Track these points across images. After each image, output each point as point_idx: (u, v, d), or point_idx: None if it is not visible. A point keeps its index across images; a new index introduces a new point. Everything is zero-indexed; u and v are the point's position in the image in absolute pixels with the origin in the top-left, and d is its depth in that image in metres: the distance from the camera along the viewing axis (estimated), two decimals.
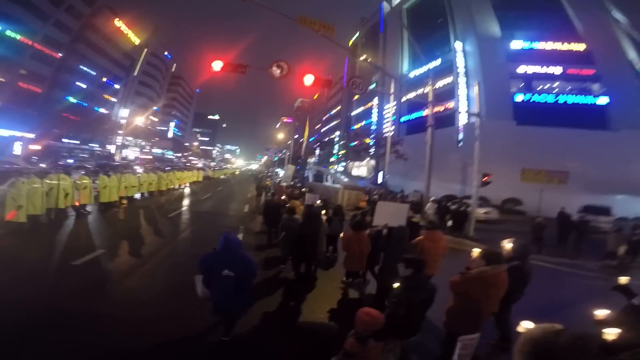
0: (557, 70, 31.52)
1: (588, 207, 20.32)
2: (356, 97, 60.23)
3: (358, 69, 62.78)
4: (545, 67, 31.64)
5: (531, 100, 30.61)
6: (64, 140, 47.33)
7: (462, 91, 33.33)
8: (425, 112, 38.08)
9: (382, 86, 49.93)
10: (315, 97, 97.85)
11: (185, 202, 17.24)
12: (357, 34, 67.59)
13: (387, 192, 18.89)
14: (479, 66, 32.75)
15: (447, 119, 32.88)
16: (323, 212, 8.84)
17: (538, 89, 31.49)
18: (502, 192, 24.75)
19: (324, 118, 78.74)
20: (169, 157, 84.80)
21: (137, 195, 16.04)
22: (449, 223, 13.96)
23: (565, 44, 31.89)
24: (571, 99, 30.34)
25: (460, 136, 32.17)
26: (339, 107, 70.00)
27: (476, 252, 3.63)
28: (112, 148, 61.27)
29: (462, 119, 32.62)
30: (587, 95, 30.46)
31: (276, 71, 10.23)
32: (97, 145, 56.52)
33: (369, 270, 6.00)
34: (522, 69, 31.73)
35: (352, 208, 13.78)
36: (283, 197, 12.32)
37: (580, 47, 31.54)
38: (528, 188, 25.40)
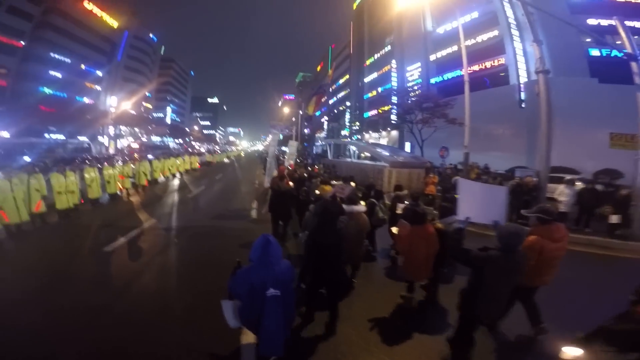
0: (637, 24, 24.75)
1: None
2: (368, 62, 53.26)
3: (367, 32, 55.44)
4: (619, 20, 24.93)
5: (611, 56, 23.74)
6: (47, 135, 42.09)
7: (517, 44, 26.73)
8: (463, 71, 31.62)
9: (400, 46, 43.09)
10: (318, 68, 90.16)
11: (160, 207, 11.32)
12: None
13: (476, 169, 12.70)
14: (536, 17, 26.15)
15: (498, 77, 26.68)
16: (362, 203, 5.45)
17: (617, 42, 24.84)
18: (588, 162, 18.81)
19: (331, 89, 71.42)
20: (169, 143, 79.11)
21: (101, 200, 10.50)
22: (614, 218, 8.16)
23: None
24: None
25: (523, 96, 25.66)
26: (347, 76, 62.77)
27: None
28: (104, 139, 56.09)
29: (522, 76, 26.14)
30: None
31: None
32: (86, 138, 51.42)
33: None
34: (592, 22, 24.90)
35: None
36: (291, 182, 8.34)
37: None
38: (618, 156, 19.77)
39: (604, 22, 24.76)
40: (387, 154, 17.16)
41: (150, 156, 24.41)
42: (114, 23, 59.56)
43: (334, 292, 3.81)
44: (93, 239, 7.37)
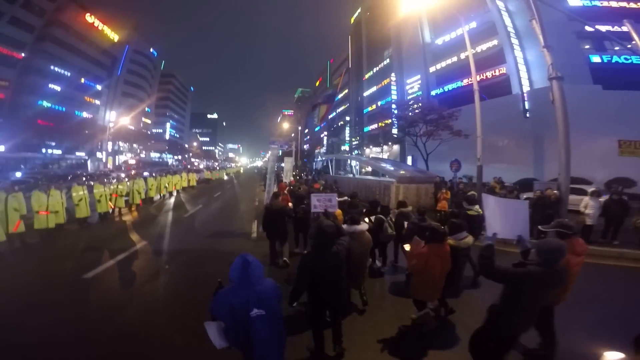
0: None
1: None
2: (367, 76, 53.43)
3: (366, 46, 55.87)
4: (617, 26, 25.06)
5: (612, 62, 23.83)
6: (43, 150, 41.59)
7: (517, 53, 26.62)
8: (465, 82, 31.39)
9: (399, 59, 43.19)
10: (317, 83, 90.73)
11: (153, 228, 10.48)
12: (359, 9, 60.27)
13: (499, 184, 11.98)
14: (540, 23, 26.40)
15: (499, 87, 26.32)
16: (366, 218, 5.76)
17: (615, 49, 24.67)
18: (598, 171, 18.26)
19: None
20: (168, 160, 78.83)
21: (90, 219, 9.72)
22: None
23: (632, 3, 25.48)
24: None
25: (526, 105, 25.29)
26: (346, 91, 62.91)
27: None
28: (102, 155, 55.67)
29: (525, 85, 25.82)
30: None
31: None
32: (84, 154, 50.87)
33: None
34: (590, 28, 24.96)
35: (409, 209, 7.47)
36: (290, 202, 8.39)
37: None
38: (628, 164, 19.35)
39: (601, 29, 25.07)
40: (393, 168, 16.51)
41: (145, 173, 23.82)
42: (114, 37, 59.74)
43: (336, 315, 3.64)
44: (73, 263, 6.62)
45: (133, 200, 13.49)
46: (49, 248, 7.69)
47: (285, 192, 9.46)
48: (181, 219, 12.04)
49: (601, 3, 25.82)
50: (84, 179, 19.92)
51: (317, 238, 3.35)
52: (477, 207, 7.05)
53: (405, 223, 6.28)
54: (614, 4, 25.67)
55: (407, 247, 4.84)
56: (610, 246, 8.21)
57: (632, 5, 25.25)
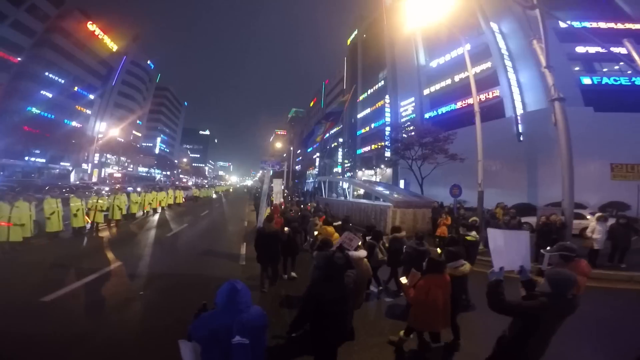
0: (623, 50, 25.68)
1: None
2: (361, 97, 54.02)
3: (361, 68, 56.84)
4: (607, 47, 25.70)
5: (602, 83, 24.14)
6: (29, 158, 40.12)
7: (511, 76, 26.94)
8: (459, 105, 31.69)
9: (394, 81, 43.81)
10: (311, 104, 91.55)
11: (131, 247, 9.59)
12: (356, 31, 61.74)
13: (505, 210, 11.77)
14: (526, 47, 26.82)
15: (492, 110, 26.40)
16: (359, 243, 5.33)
17: (603, 70, 25.14)
18: (591, 195, 18.17)
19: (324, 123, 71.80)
20: (156, 175, 77.21)
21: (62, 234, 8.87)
22: None
23: (619, 23, 26.20)
24: None
25: (520, 128, 25.40)
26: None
27: None
28: (88, 167, 54.15)
29: (518, 108, 25.99)
30: None
31: None
32: (69, 164, 49.32)
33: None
34: (581, 49, 25.38)
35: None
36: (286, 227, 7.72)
37: (638, 26, 25.93)
38: (620, 187, 19.48)
39: (592, 50, 25.52)
40: (389, 192, 16.04)
41: (129, 189, 22.94)
42: (113, 46, 59.24)
43: (335, 347, 3.41)
44: (32, 282, 5.82)
45: (113, 216, 12.61)
46: (7, 264, 6.87)
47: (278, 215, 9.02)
48: (164, 239, 11.17)
49: (590, 24, 26.37)
50: (63, 190, 18.88)
51: (327, 269, 3.27)
52: (474, 232, 6.88)
53: (404, 247, 6.17)
54: (602, 26, 26.33)
55: (403, 280, 4.70)
56: (618, 269, 8.24)
57: (620, 26, 25.98)
